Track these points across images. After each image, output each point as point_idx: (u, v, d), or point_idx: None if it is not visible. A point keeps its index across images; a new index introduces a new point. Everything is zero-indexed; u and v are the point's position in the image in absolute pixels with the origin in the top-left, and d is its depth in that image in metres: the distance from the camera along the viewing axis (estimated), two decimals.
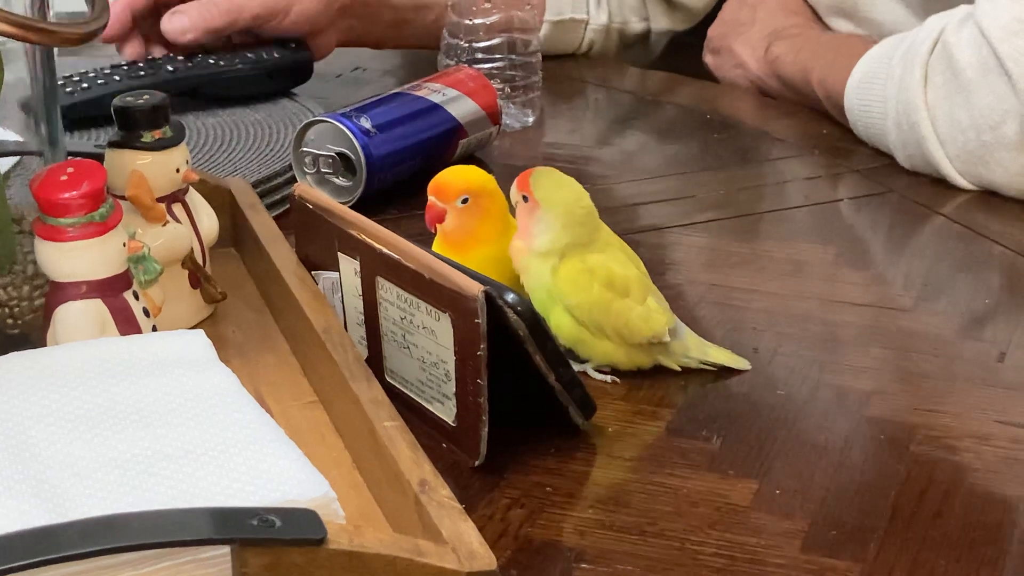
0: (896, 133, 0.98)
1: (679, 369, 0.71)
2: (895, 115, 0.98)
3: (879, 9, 1.13)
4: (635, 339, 0.70)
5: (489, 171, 0.74)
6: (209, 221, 0.76)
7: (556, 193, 0.70)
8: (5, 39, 0.62)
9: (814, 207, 0.95)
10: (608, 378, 0.71)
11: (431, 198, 0.72)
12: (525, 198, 0.70)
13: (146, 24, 1.08)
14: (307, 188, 0.75)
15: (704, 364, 0.71)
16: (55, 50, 0.73)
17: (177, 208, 0.74)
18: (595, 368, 0.71)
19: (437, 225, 0.72)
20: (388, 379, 0.68)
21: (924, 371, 0.72)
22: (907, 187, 0.97)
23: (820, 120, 1.10)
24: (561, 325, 0.69)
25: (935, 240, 0.91)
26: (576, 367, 0.68)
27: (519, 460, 0.64)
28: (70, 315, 0.64)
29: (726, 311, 0.79)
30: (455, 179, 0.72)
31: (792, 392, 0.70)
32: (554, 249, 0.69)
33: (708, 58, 1.24)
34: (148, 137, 0.72)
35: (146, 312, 0.67)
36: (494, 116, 1.02)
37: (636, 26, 1.29)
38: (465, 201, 0.71)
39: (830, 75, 1.07)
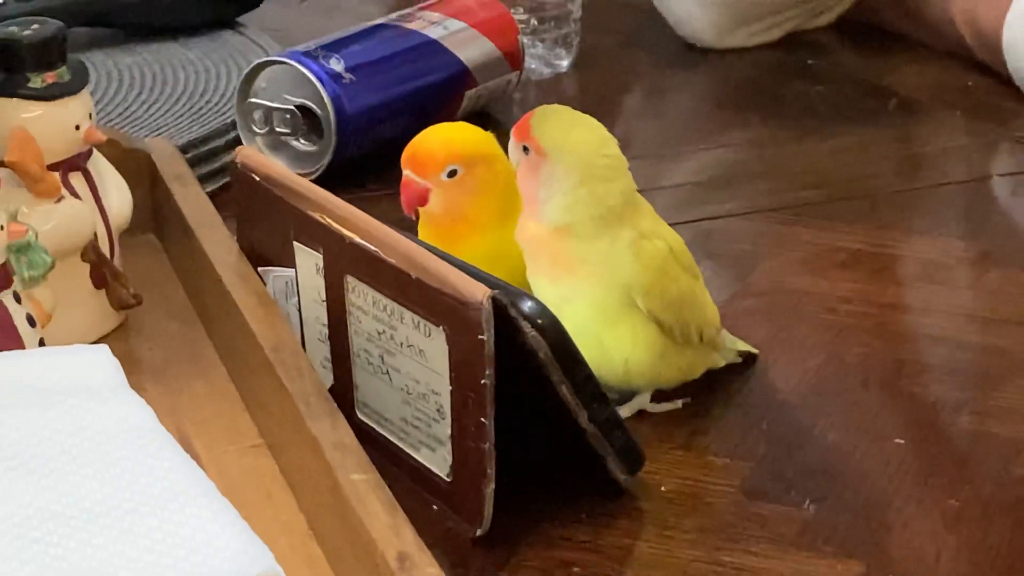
0: None
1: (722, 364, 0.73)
2: None
3: None
4: (713, 335, 0.71)
5: (506, 134, 0.74)
6: (120, 197, 0.77)
7: (570, 135, 0.69)
8: None
9: (953, 187, 0.95)
10: (679, 403, 0.72)
11: (406, 172, 0.72)
12: (526, 149, 0.69)
13: None
14: (255, 154, 0.76)
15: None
16: None
17: (76, 179, 0.74)
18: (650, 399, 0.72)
19: (419, 209, 0.73)
20: (360, 416, 0.69)
21: None
22: None
23: (962, 67, 1.09)
24: (647, 343, 0.69)
25: None
26: (625, 408, 0.69)
27: (537, 529, 0.64)
28: None
29: (826, 329, 0.79)
30: (437, 144, 0.73)
31: (915, 441, 0.70)
32: (575, 220, 0.67)
33: None
34: (37, 81, 0.72)
35: (31, 320, 0.67)
36: (514, 58, 1.02)
37: None
38: (453, 174, 0.72)
39: (979, 1, 1.07)
